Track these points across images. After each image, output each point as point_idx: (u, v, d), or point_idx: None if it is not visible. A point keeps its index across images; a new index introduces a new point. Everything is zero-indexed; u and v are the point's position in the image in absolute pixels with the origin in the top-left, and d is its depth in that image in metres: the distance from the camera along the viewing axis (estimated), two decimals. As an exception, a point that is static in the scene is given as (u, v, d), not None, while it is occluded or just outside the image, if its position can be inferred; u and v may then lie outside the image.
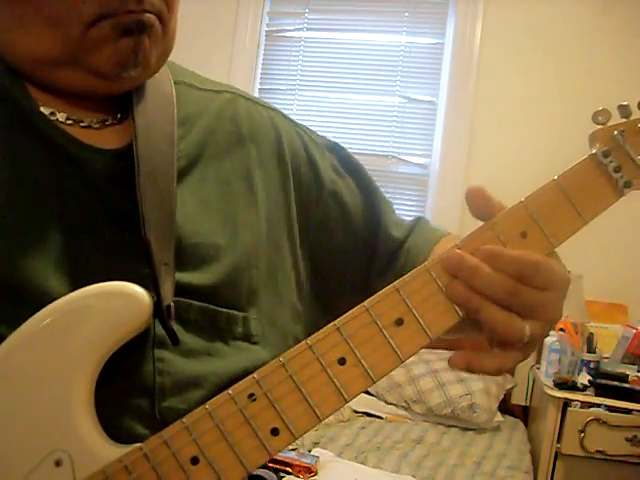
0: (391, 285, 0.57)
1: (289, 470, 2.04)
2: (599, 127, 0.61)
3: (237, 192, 0.71)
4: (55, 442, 0.55)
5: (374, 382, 0.55)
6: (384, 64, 3.26)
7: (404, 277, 0.57)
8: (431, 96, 3.22)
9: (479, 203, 0.59)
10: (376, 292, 0.56)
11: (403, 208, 3.25)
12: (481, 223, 0.60)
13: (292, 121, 0.80)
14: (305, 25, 3.35)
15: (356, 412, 2.72)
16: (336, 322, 0.56)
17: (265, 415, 0.54)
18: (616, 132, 0.60)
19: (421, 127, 3.24)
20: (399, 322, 0.56)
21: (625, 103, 0.61)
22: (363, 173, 0.83)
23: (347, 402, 0.55)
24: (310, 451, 2.25)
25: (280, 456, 2.09)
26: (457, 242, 0.58)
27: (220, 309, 0.65)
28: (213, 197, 0.69)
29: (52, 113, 0.63)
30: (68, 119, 0.64)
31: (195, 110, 0.72)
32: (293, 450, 2.21)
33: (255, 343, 0.68)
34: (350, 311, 0.56)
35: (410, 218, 0.85)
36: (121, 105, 0.66)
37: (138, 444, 0.55)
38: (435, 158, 3.17)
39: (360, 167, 0.83)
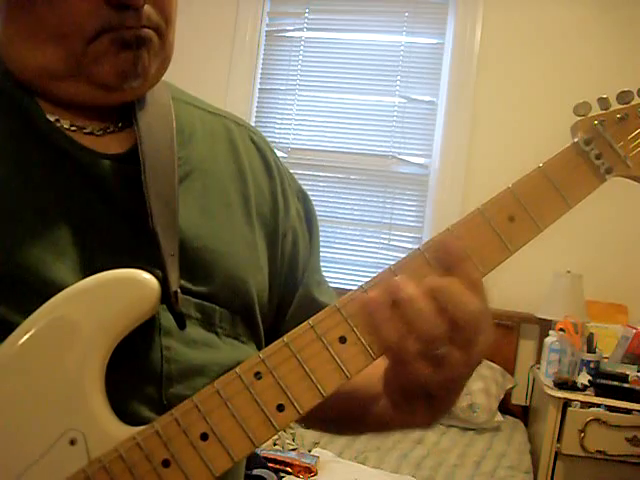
0: (388, 268, 0.59)
1: (289, 470, 2.04)
2: (580, 118, 0.65)
3: (235, 206, 0.74)
4: (69, 422, 0.57)
5: (374, 359, 0.58)
6: (384, 64, 3.26)
7: (402, 260, 0.60)
8: (431, 96, 3.22)
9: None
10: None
11: (403, 208, 3.25)
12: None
13: (275, 153, 0.84)
14: (305, 25, 3.36)
15: (356, 412, 2.72)
16: (336, 304, 0.59)
17: (271, 392, 0.57)
18: (596, 122, 0.64)
19: (421, 127, 3.24)
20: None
21: (604, 96, 0.65)
22: (316, 232, 0.85)
23: (349, 379, 0.58)
24: (310, 451, 2.25)
25: (280, 456, 2.09)
26: (449, 226, 0.60)
27: (215, 306, 0.68)
28: (214, 206, 0.72)
29: (57, 120, 0.66)
30: (72, 126, 0.67)
31: (191, 124, 0.75)
32: (293, 450, 2.22)
33: (243, 343, 0.71)
34: (349, 293, 0.59)
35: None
36: (122, 115, 0.70)
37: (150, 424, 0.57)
38: (435, 158, 3.17)
39: (316, 225, 0.85)
